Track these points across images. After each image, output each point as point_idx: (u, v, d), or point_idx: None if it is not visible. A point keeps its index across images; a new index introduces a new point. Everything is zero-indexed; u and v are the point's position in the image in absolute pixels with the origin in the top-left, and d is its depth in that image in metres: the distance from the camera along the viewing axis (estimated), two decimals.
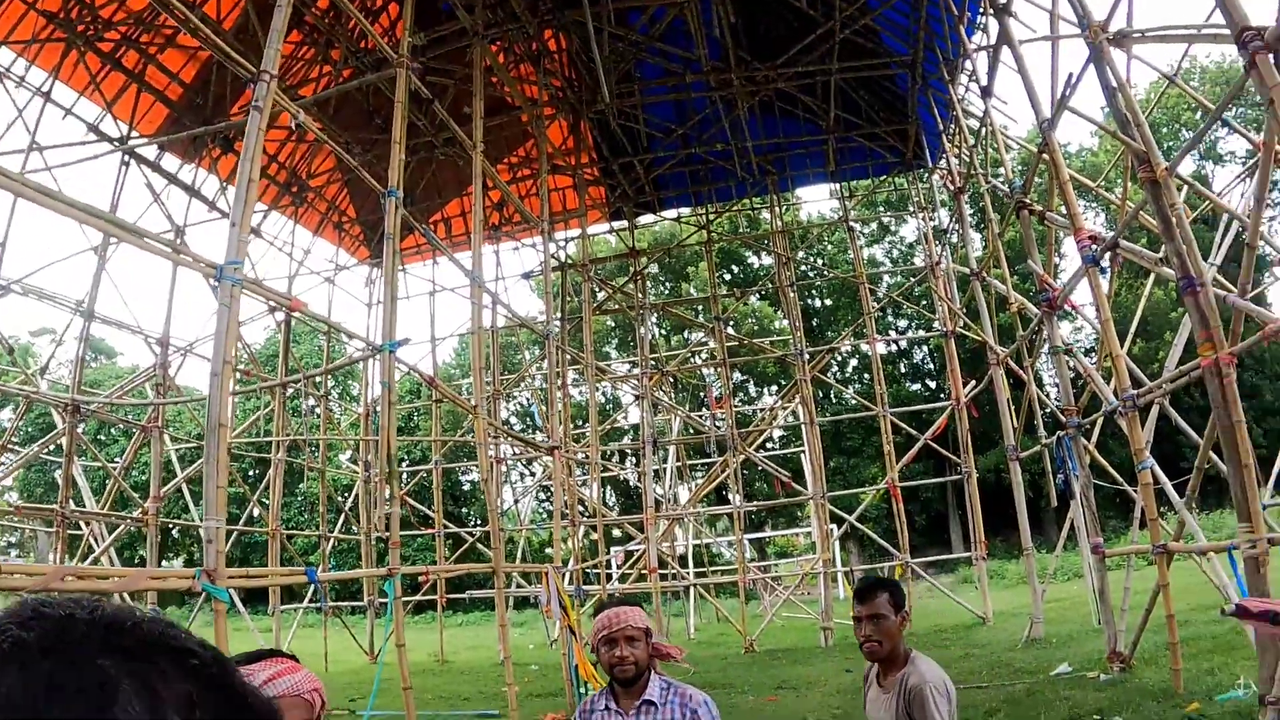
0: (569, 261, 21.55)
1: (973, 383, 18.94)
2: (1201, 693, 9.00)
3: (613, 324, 41.16)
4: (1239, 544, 7.75)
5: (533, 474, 37.22)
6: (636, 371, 22.56)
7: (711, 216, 23.06)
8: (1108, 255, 10.73)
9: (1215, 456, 9.81)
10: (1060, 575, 25.09)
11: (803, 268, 33.34)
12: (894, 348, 42.25)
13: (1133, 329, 14.11)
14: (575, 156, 20.10)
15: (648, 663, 3.38)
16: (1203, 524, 11.57)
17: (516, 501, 28.35)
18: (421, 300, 44.46)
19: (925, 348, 40.81)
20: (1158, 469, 10.17)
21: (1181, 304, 8.53)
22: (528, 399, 39.58)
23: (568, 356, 20.13)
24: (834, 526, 21.03)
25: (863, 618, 3.59)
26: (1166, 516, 10.92)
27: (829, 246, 39.94)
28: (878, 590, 3.60)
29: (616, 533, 29.72)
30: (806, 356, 20.12)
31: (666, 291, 40.56)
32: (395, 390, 10.35)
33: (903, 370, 42.02)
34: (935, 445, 19.46)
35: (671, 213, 24.11)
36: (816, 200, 78.96)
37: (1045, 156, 11.16)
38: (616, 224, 24.02)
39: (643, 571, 19.59)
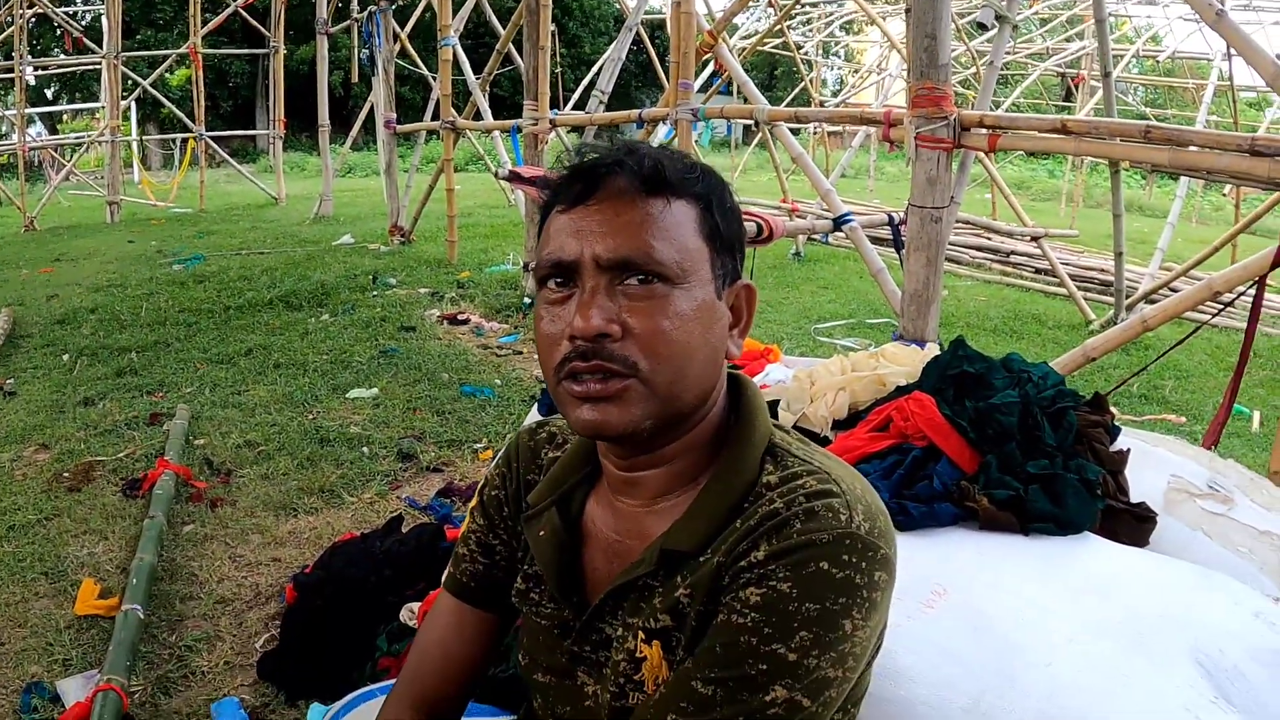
0: None
1: None
2: (474, 265, 9.69)
3: None
4: (523, 122, 8.11)
5: None
6: None
7: None
8: None
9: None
10: (361, 170, 25.56)
11: None
12: None
13: None
14: None
15: None
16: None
17: None
18: None
19: None
20: (459, 49, 10.26)
21: None
22: None
23: None
24: (132, 104, 19.05)
25: None
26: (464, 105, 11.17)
27: None
28: None
29: None
30: None
31: None
32: None
33: None
34: (249, 18, 18.08)
35: None
36: None
37: None
38: None
39: None
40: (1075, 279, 9.34)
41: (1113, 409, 5.61)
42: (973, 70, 14.53)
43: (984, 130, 4.07)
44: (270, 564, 3.43)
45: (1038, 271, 10.29)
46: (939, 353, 2.37)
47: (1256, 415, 5.68)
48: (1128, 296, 7.96)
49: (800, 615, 0.95)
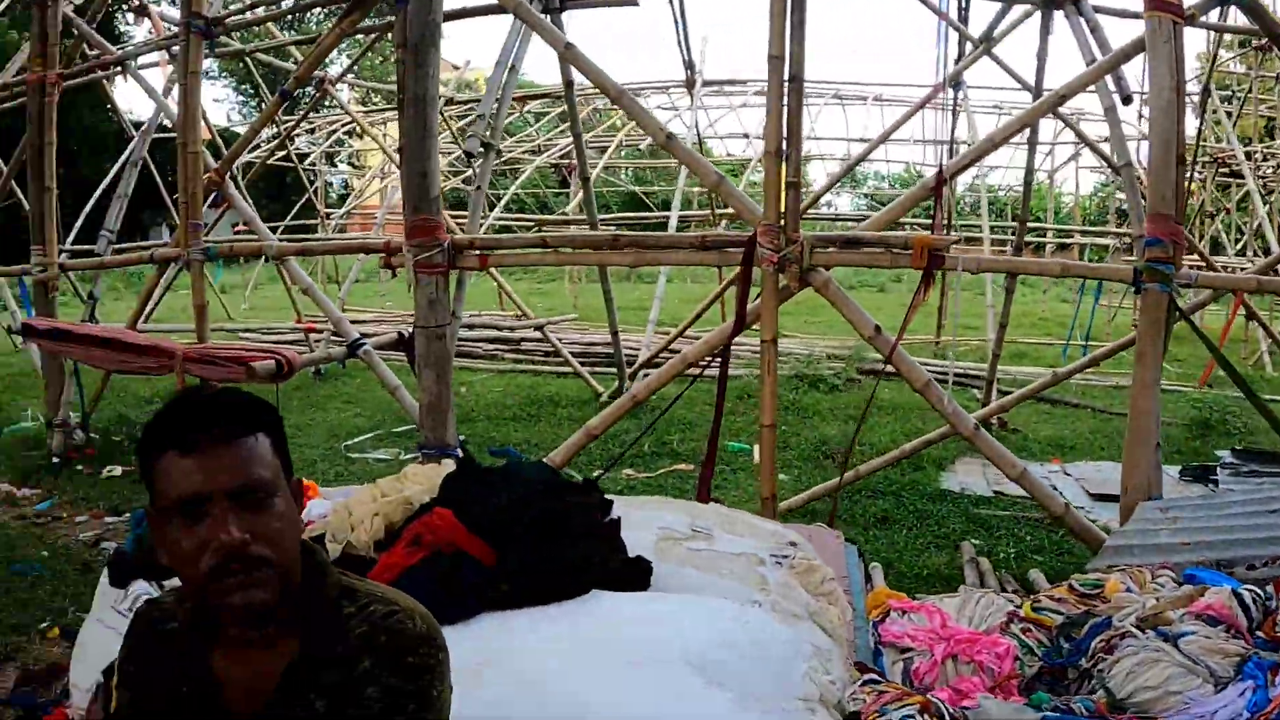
0: None
1: None
2: None
3: None
4: (31, 268, 7.56)
5: None
6: None
7: None
8: None
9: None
10: None
11: None
12: None
13: None
14: None
15: None
16: None
17: None
18: None
19: None
20: None
21: None
22: None
23: None
24: None
25: None
26: None
27: None
28: None
29: None
30: None
31: None
32: None
33: None
34: None
35: None
36: None
37: None
38: None
39: None
40: (582, 357, 10.15)
41: (628, 471, 6.33)
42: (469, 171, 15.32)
43: (476, 251, 4.60)
44: None
45: (548, 355, 10.89)
46: (454, 468, 2.77)
47: (756, 449, 6.68)
48: (631, 365, 8.92)
49: (404, 693, 1.42)
